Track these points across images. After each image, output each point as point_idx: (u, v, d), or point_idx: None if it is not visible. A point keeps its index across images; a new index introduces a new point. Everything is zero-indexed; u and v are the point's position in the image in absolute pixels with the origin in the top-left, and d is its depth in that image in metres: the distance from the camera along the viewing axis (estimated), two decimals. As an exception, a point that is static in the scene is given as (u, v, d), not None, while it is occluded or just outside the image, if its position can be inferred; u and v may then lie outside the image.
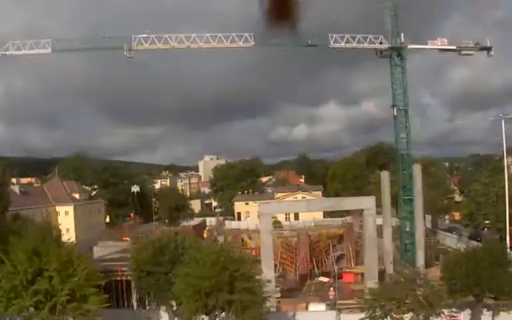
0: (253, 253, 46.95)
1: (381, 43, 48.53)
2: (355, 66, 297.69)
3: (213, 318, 26.77)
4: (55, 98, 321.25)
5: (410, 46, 48.78)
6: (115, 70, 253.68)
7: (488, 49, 49.30)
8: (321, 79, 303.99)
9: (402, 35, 48.35)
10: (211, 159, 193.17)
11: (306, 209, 53.82)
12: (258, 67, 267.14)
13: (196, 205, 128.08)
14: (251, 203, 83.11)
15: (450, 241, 57.59)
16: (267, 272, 36.79)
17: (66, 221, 73.19)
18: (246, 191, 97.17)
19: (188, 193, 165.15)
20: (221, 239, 58.57)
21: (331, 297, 38.99)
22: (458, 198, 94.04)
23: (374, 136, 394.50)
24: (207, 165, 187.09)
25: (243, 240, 58.34)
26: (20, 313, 24.95)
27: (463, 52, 49.43)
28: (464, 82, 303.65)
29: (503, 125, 46.51)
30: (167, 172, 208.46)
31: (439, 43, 49.71)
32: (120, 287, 39.77)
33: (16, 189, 72.80)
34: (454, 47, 49.46)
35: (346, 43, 47.96)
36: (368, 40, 48.49)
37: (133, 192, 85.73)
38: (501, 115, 47.08)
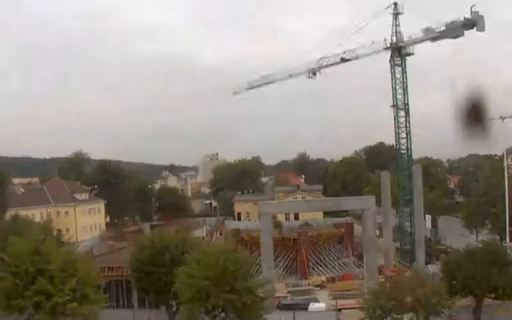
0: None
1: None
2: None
3: (213, 318, 26.74)
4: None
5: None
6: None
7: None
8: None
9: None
10: (211, 159, 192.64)
11: (306, 209, 53.81)
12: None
13: (196, 205, 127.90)
14: (250, 203, 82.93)
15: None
16: (267, 272, 36.83)
17: (66, 221, 73.07)
18: (246, 191, 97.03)
19: (188, 193, 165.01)
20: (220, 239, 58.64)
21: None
22: (458, 198, 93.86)
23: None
24: (206, 165, 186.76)
25: (242, 239, 58.28)
26: (20, 313, 24.89)
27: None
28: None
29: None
30: (167, 172, 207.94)
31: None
32: (120, 286, 39.84)
33: (16, 189, 72.70)
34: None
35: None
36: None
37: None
38: (501, 116, 47.01)
